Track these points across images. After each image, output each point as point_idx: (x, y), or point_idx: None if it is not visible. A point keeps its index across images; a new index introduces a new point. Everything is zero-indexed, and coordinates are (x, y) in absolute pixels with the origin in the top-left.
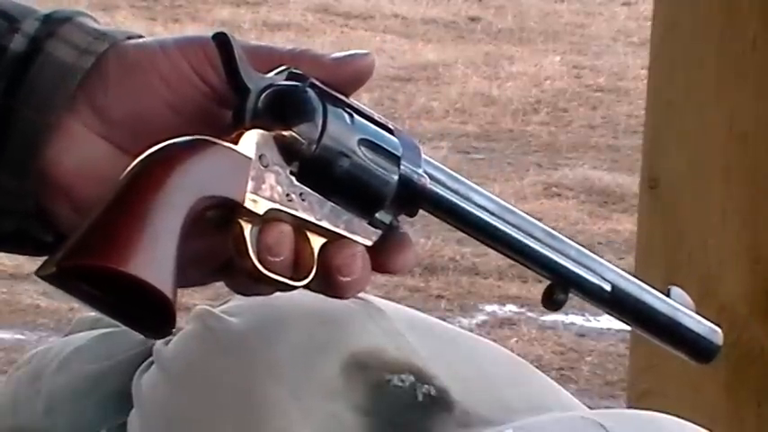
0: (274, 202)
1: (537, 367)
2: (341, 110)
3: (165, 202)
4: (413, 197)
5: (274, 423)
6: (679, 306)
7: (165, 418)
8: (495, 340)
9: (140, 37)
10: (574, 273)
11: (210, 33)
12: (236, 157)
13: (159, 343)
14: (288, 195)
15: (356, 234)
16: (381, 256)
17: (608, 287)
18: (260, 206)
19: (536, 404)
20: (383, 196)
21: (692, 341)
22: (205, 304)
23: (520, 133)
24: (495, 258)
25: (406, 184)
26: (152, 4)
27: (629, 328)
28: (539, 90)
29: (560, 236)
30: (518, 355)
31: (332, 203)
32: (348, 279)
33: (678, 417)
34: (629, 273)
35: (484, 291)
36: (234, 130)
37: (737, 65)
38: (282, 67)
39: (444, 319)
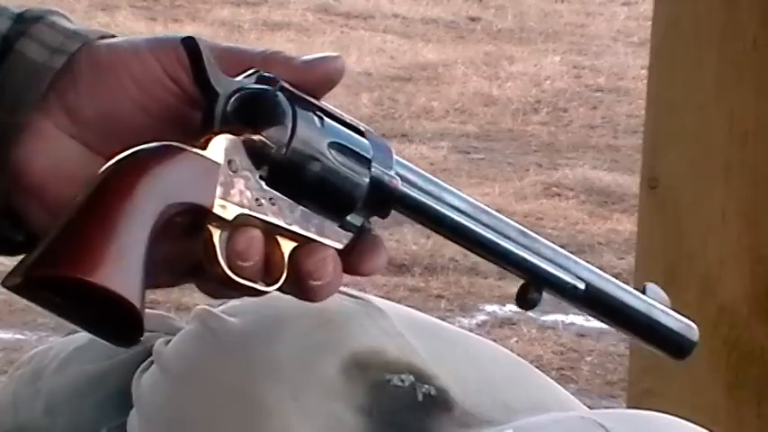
0: (244, 207)
1: (537, 367)
2: (311, 113)
3: (133, 210)
4: (384, 199)
5: (274, 423)
6: (654, 303)
7: (165, 418)
8: (495, 340)
9: (113, 36)
10: (547, 272)
11: (182, 35)
12: (205, 162)
13: (159, 343)
14: (257, 200)
15: (327, 237)
16: (353, 259)
17: (582, 285)
18: (229, 211)
19: (536, 404)
20: (354, 199)
21: (668, 337)
22: (205, 304)
23: (520, 133)
24: None
25: (378, 185)
26: (152, 4)
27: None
28: (539, 90)
29: (534, 235)
30: (518, 355)
31: (302, 207)
32: (319, 283)
33: (678, 417)
34: (604, 270)
35: (484, 291)
36: (203, 135)
37: (737, 65)
38: (252, 70)
39: (444, 319)
